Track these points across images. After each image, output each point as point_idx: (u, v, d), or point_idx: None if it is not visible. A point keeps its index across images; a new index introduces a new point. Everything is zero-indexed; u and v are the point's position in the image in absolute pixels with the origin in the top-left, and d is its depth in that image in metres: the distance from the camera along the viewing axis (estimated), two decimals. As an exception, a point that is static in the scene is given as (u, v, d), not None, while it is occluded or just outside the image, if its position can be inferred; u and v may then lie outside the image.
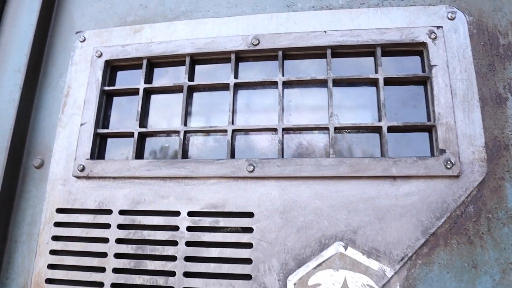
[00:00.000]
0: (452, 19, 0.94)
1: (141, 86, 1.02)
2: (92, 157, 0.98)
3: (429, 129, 0.90)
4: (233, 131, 0.95)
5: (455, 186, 0.84)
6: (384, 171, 0.85)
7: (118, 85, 1.08)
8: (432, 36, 0.92)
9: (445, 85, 0.89)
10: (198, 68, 1.06)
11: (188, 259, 0.88)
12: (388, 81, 0.94)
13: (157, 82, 1.06)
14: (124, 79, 1.08)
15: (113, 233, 0.92)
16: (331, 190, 0.87)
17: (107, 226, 0.93)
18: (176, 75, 1.06)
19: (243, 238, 0.87)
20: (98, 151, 1.01)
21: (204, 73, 1.05)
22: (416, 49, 0.95)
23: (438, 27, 0.93)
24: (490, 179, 0.85)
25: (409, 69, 0.96)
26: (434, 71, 0.90)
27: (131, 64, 1.06)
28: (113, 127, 1.05)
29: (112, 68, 1.07)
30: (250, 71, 1.03)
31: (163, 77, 1.07)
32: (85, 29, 1.11)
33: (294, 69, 1.01)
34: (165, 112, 1.04)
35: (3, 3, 1.12)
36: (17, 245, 0.97)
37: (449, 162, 0.84)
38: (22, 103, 1.03)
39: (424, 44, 0.93)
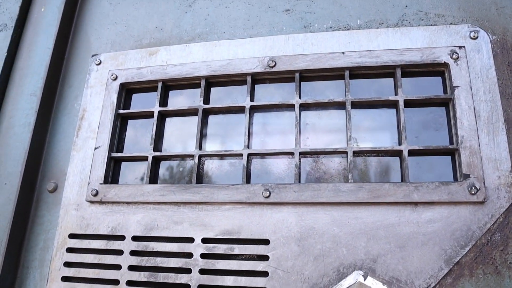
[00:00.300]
0: (474, 38, 0.98)
1: (156, 109, 1.09)
2: (105, 181, 1.05)
3: (452, 153, 0.93)
4: (249, 155, 1.00)
5: (480, 213, 0.87)
6: (405, 196, 0.89)
7: (133, 108, 1.15)
8: (454, 56, 0.96)
9: (468, 107, 0.93)
10: (214, 89, 1.13)
11: (202, 287, 0.92)
12: (409, 103, 0.98)
13: (172, 105, 1.13)
14: (139, 101, 1.16)
15: (125, 260, 0.97)
16: (349, 216, 0.91)
17: (119, 252, 0.99)
18: (191, 97, 1.13)
19: (259, 266, 0.91)
20: (112, 175, 1.08)
21: (220, 95, 1.11)
22: (437, 70, 1.00)
23: (460, 47, 0.97)
24: (518, 205, 0.87)
25: (429, 90, 1.01)
26: (457, 93, 0.94)
27: (146, 87, 1.14)
28: (128, 150, 1.12)
29: (127, 90, 1.15)
30: (266, 93, 1.09)
31: (178, 99, 1.14)
32: (101, 52, 1.20)
33: (312, 91, 1.06)
34: (180, 135, 1.10)
35: (21, 27, 1.22)
36: (29, 271, 1.04)
37: (473, 188, 0.87)
38: (37, 127, 1.11)
39: (445, 65, 0.97)
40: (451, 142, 0.95)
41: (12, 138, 1.13)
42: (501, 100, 0.93)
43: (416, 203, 0.89)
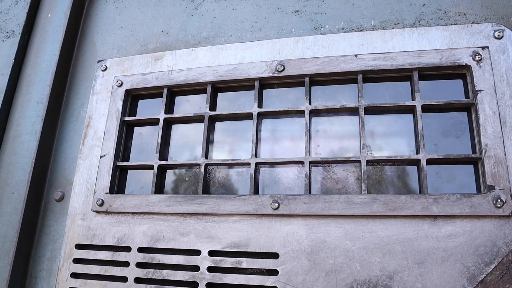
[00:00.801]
0: (499, 38, 0.89)
1: (161, 116, 1.04)
2: (111, 191, 1.00)
3: (475, 162, 0.85)
4: (257, 164, 0.94)
5: (506, 227, 0.79)
6: (423, 209, 0.81)
7: (139, 114, 1.11)
8: (477, 58, 0.88)
9: (492, 112, 0.84)
10: (221, 94, 1.07)
11: (208, 302, 0.87)
12: (427, 109, 0.90)
13: (177, 111, 1.08)
14: (145, 107, 1.11)
15: (132, 272, 0.93)
16: (363, 230, 0.84)
17: (126, 264, 0.94)
18: (197, 103, 1.07)
19: (268, 281, 0.86)
20: (118, 183, 1.03)
21: (226, 100, 1.05)
22: (458, 72, 0.91)
23: (483, 48, 0.88)
24: (548, 219, 0.79)
25: (449, 94, 0.93)
26: (480, 97, 0.86)
27: (152, 93, 1.09)
28: (133, 158, 1.07)
29: (132, 97, 1.10)
30: (275, 98, 1.02)
31: (184, 105, 1.08)
32: (107, 57, 1.15)
33: (322, 95, 0.99)
34: (186, 142, 1.05)
35: (28, 34, 1.18)
36: (37, 281, 1.01)
37: (499, 201, 0.79)
38: (44, 135, 1.08)
39: (467, 67, 0.89)
40: (474, 151, 0.87)
41: (19, 146, 1.10)
42: (528, 104, 0.85)
43: (435, 217, 0.82)
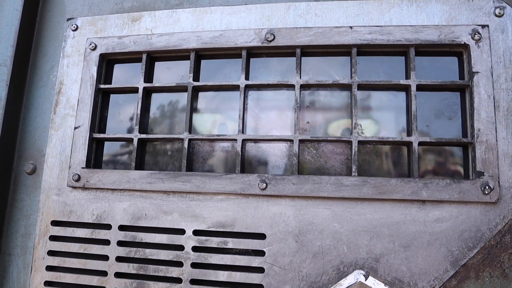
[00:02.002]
0: (499, 15, 0.82)
1: (141, 85, 0.93)
2: (88, 165, 0.91)
3: (465, 146, 0.82)
4: (243, 140, 0.87)
5: (491, 213, 0.77)
6: (412, 194, 0.78)
7: (115, 80, 0.99)
8: (476, 37, 0.81)
9: (487, 96, 0.79)
10: (205, 61, 0.96)
11: (194, 282, 0.84)
12: (421, 88, 0.84)
13: (158, 78, 0.97)
14: (122, 72, 0.99)
15: (113, 251, 0.87)
16: (352, 212, 0.81)
17: (106, 242, 0.88)
18: (179, 68, 0.97)
19: (254, 261, 0.82)
20: (95, 157, 0.94)
21: (211, 67, 0.96)
22: (455, 50, 0.85)
23: (483, 26, 0.82)
24: (531, 205, 0.77)
25: (443, 71, 0.87)
26: (476, 79, 0.80)
27: (129, 58, 0.97)
28: (111, 128, 0.98)
29: (108, 61, 0.98)
30: (263, 68, 0.93)
31: (165, 71, 0.97)
32: (78, 15, 1.01)
33: (313, 67, 0.91)
34: (168, 111, 0.96)
35: (-17, -16, 1.01)
36: (11, 258, 0.93)
37: (487, 187, 0.76)
38: (9, 102, 0.95)
39: (465, 46, 0.83)
40: (465, 134, 0.83)
41: (-18, 113, 0.97)
42: (523, 88, 0.80)
43: (424, 201, 0.79)
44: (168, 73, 0.98)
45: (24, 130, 0.98)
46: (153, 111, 0.97)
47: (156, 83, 0.94)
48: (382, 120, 0.87)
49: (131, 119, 0.97)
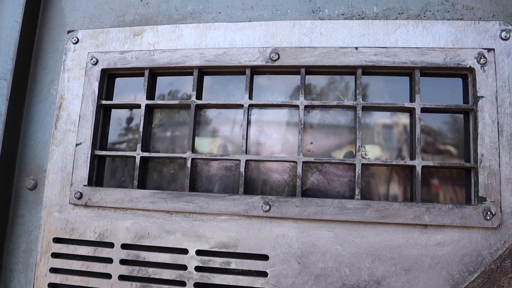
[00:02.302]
0: (506, 39, 0.82)
1: (143, 102, 0.92)
2: (90, 182, 0.91)
3: (468, 170, 0.82)
4: (247, 161, 0.86)
5: (492, 238, 0.78)
6: (415, 218, 0.79)
7: (117, 94, 0.98)
8: (482, 61, 0.81)
9: (491, 121, 0.79)
10: (208, 76, 0.95)
11: (196, 301, 0.84)
12: (425, 110, 0.84)
13: (161, 95, 0.96)
14: (124, 86, 0.98)
15: (115, 269, 0.87)
16: (354, 235, 0.81)
17: (109, 260, 0.88)
18: (182, 85, 0.96)
19: (257, 282, 0.82)
20: (96, 174, 0.93)
21: (214, 83, 0.94)
22: (460, 73, 0.84)
23: (489, 50, 0.81)
24: (532, 230, 0.78)
25: (448, 92, 0.86)
26: (481, 104, 0.80)
27: (131, 73, 0.96)
28: (113, 144, 0.96)
29: (109, 76, 0.97)
30: (267, 85, 0.92)
31: (167, 86, 0.96)
32: (78, 28, 0.99)
33: (318, 86, 0.90)
34: (170, 128, 0.95)
35: (-19, -6, 0.99)
36: (13, 275, 0.93)
37: (489, 213, 0.77)
38: (10, 116, 0.94)
39: (470, 70, 0.82)
40: (468, 159, 0.83)
41: (-18, 127, 0.96)
42: (527, 113, 0.80)
43: (426, 225, 0.79)
44: (170, 87, 0.96)
45: (24, 144, 0.97)
46: (155, 127, 0.96)
47: (159, 100, 0.93)
48: (386, 141, 0.87)
49: (133, 132, 0.96)
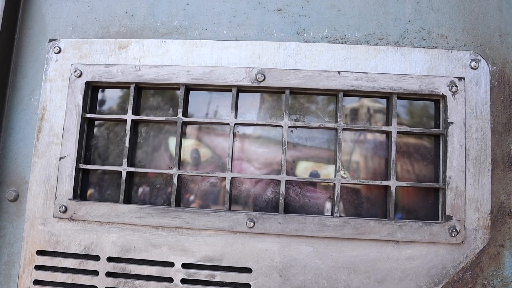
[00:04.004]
0: (475, 68, 0.88)
1: (129, 117, 0.92)
2: (74, 196, 0.91)
3: (437, 190, 0.88)
4: (232, 178, 0.89)
5: (456, 253, 0.85)
6: (388, 235, 0.85)
7: (101, 107, 0.97)
8: (453, 89, 0.86)
9: (460, 146, 0.86)
10: (193, 92, 0.96)
11: (182, 312, 0.87)
12: (401, 133, 0.89)
13: (146, 110, 0.96)
14: (108, 99, 0.97)
15: (101, 281, 0.88)
16: (332, 250, 0.86)
17: (95, 273, 0.89)
18: (167, 100, 0.96)
19: (240, 294, 0.86)
20: (81, 187, 0.93)
21: (200, 99, 0.95)
22: (433, 98, 0.90)
23: (460, 79, 0.87)
24: (490, 246, 0.86)
25: (421, 114, 0.92)
26: (451, 130, 0.86)
27: (116, 86, 0.95)
28: (97, 157, 0.96)
29: (93, 88, 0.95)
30: (252, 104, 0.94)
31: (152, 101, 0.96)
32: (60, 37, 0.97)
33: (301, 107, 0.93)
34: (156, 141, 0.96)
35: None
36: (-5, 286, 0.92)
37: (454, 231, 0.84)
38: (-11, 127, 0.91)
39: (443, 96, 0.87)
40: (437, 179, 0.89)
41: (-41, 138, 0.93)
42: (491, 138, 0.87)
43: (398, 241, 0.85)
44: (157, 101, 0.97)
45: (4, 155, 0.95)
46: (141, 141, 0.96)
47: (144, 115, 0.93)
48: (364, 154, 0.92)
49: (118, 147, 0.96)
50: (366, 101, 0.93)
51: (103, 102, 0.98)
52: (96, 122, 0.97)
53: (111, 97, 0.98)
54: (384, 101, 0.92)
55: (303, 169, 0.92)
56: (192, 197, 0.94)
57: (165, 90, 0.95)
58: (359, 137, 0.92)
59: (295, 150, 0.93)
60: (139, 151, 0.96)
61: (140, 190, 0.95)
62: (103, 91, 0.97)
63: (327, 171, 0.92)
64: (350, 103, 0.93)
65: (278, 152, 0.92)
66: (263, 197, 0.93)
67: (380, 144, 0.92)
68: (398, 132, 0.88)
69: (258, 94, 0.95)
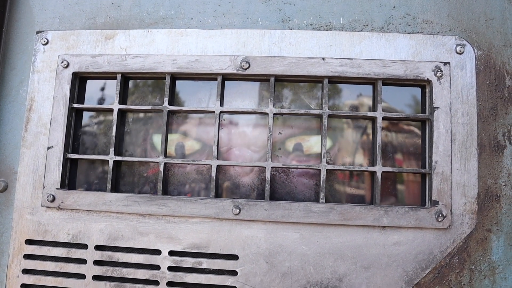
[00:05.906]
0: (460, 53, 0.87)
1: (116, 107, 0.92)
2: (62, 185, 0.91)
3: (423, 175, 0.88)
4: (218, 166, 0.89)
5: (443, 238, 0.84)
6: (374, 220, 0.84)
7: (88, 96, 0.97)
8: (438, 74, 0.86)
9: (445, 131, 0.85)
10: (179, 82, 0.96)
11: (169, 300, 0.87)
12: (386, 118, 0.89)
13: (133, 99, 0.96)
14: (95, 89, 0.97)
15: (89, 269, 0.89)
16: (319, 236, 0.86)
17: (82, 261, 0.89)
18: (154, 89, 0.96)
19: (227, 280, 0.86)
20: (69, 176, 0.93)
21: (185, 88, 0.95)
22: (419, 84, 0.89)
23: (445, 64, 0.86)
24: (477, 230, 0.85)
25: (407, 99, 0.91)
26: (436, 114, 0.85)
27: (103, 76, 0.95)
28: (85, 147, 0.96)
29: (81, 78, 0.96)
30: (238, 92, 0.94)
31: (139, 90, 0.96)
32: (47, 28, 0.97)
33: (286, 93, 0.93)
34: (143, 131, 0.96)
35: None
36: (-15, 276, 0.93)
37: (440, 216, 0.83)
38: (-23, 118, 0.92)
39: (428, 81, 0.87)
40: (424, 165, 0.88)
41: (-52, 129, 0.93)
42: (477, 123, 0.86)
43: (384, 227, 0.85)
44: (143, 90, 0.97)
45: (-7, 146, 0.95)
46: (127, 130, 0.97)
47: (131, 105, 0.94)
48: (350, 139, 0.92)
49: (105, 137, 0.96)
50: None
51: (92, 92, 0.98)
52: (86, 113, 0.98)
53: (101, 87, 0.98)
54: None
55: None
56: (179, 185, 0.94)
57: (151, 79, 0.96)
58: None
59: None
60: (127, 141, 0.96)
61: (127, 178, 0.95)
62: (92, 82, 0.98)
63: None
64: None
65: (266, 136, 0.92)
66: (249, 184, 0.92)
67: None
68: (383, 118, 0.87)
69: (246, 83, 0.94)
